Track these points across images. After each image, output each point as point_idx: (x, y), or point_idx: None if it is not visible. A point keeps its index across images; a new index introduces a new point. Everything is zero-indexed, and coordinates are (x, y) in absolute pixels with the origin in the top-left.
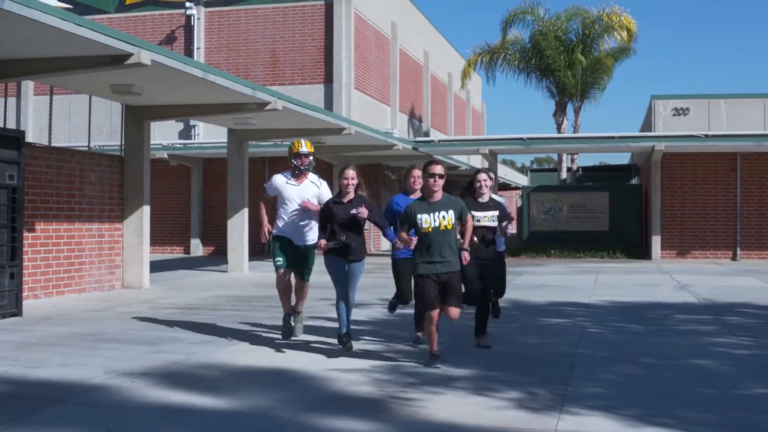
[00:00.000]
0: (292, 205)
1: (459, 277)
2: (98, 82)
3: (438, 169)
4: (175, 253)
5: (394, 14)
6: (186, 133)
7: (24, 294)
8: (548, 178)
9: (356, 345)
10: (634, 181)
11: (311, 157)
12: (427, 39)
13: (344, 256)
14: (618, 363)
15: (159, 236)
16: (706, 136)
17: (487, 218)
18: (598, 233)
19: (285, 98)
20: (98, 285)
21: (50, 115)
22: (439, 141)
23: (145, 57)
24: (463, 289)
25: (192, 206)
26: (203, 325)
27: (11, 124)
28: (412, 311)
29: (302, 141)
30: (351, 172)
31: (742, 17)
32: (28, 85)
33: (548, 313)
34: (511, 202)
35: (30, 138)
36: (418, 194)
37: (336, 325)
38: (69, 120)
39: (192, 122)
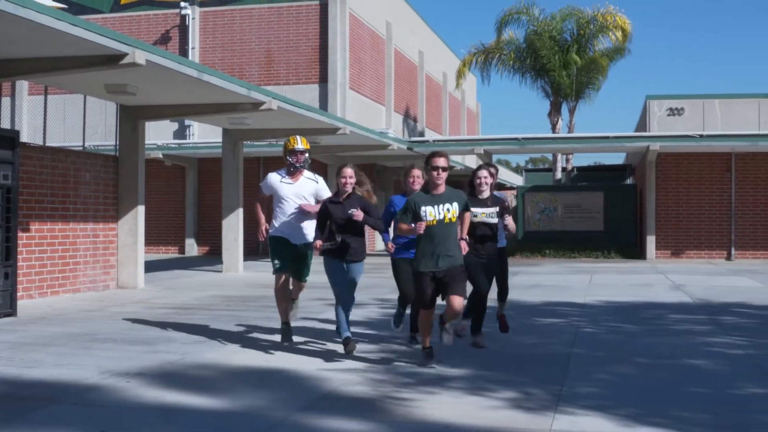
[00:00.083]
0: (289, 204)
1: (462, 270)
2: (93, 82)
3: (441, 162)
4: (170, 253)
5: (389, 14)
6: (181, 133)
7: (18, 294)
8: (543, 178)
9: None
10: (629, 181)
11: (307, 154)
12: (422, 39)
13: (343, 257)
14: (613, 363)
15: (154, 236)
16: (701, 136)
17: (485, 214)
18: (593, 233)
19: (280, 98)
20: (93, 285)
21: (45, 114)
22: (434, 141)
23: (140, 57)
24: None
25: (187, 206)
26: (198, 325)
27: (6, 124)
28: (407, 311)
29: (298, 138)
30: (349, 171)
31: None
32: (23, 85)
33: (543, 312)
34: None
35: (24, 138)
36: None
37: (330, 327)
38: (64, 120)
39: (187, 122)
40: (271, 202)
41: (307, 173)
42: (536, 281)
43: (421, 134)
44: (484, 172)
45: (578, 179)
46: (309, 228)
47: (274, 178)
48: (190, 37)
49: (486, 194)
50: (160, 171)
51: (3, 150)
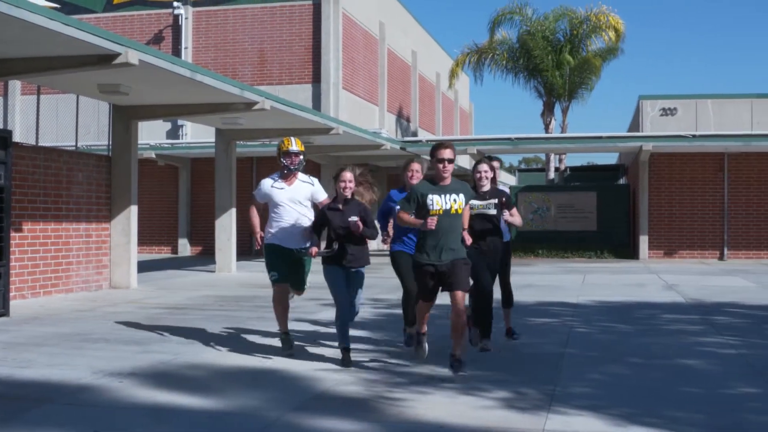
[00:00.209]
0: (285, 209)
1: (466, 262)
2: (86, 82)
3: (448, 153)
4: (163, 253)
5: (382, 14)
6: (174, 133)
7: (11, 294)
8: (536, 178)
9: None
10: (622, 181)
11: (302, 156)
12: (414, 39)
13: (342, 264)
14: (606, 363)
15: (147, 236)
16: (694, 136)
17: (482, 206)
18: (585, 233)
19: (273, 98)
20: (86, 285)
21: (37, 114)
22: (427, 141)
23: (133, 57)
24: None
25: (180, 206)
26: (191, 325)
27: None
28: (399, 311)
29: (292, 139)
30: (348, 175)
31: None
32: (15, 85)
33: (536, 312)
34: None
35: (17, 138)
36: None
37: (323, 328)
38: (56, 120)
39: (180, 122)
40: (265, 208)
41: (301, 176)
42: (529, 281)
43: (414, 134)
44: (484, 166)
45: (571, 179)
46: (306, 233)
47: (266, 184)
48: (183, 37)
49: (486, 188)
50: (153, 171)
51: None
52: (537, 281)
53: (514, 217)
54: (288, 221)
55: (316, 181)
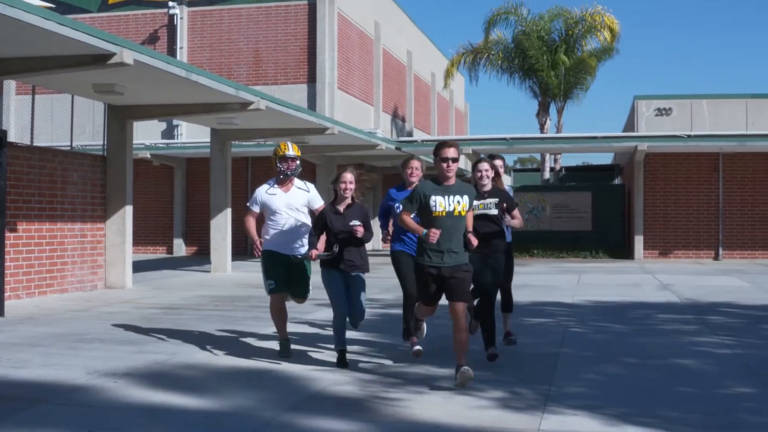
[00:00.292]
0: (281, 216)
1: (468, 269)
2: (81, 82)
3: (452, 152)
4: (158, 253)
5: (378, 14)
6: (169, 133)
7: (6, 294)
8: (531, 178)
9: None
10: (617, 181)
11: (298, 161)
12: (410, 39)
13: (340, 268)
14: (601, 362)
15: (142, 236)
16: (689, 136)
17: (483, 205)
18: (581, 233)
19: (268, 98)
20: (81, 285)
21: (32, 114)
22: (423, 141)
23: (128, 56)
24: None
25: (175, 206)
26: (186, 325)
27: None
28: (397, 311)
29: (288, 143)
30: (349, 176)
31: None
32: (10, 85)
33: (531, 312)
34: None
35: (12, 137)
36: None
37: (318, 329)
38: (51, 119)
39: (175, 122)
40: (261, 217)
41: (297, 182)
42: (524, 281)
43: (410, 134)
44: (485, 165)
45: (566, 179)
46: (304, 239)
47: (261, 192)
48: (178, 36)
49: (488, 187)
50: (148, 171)
51: None
52: (532, 281)
53: (515, 220)
54: (285, 227)
55: (312, 187)
